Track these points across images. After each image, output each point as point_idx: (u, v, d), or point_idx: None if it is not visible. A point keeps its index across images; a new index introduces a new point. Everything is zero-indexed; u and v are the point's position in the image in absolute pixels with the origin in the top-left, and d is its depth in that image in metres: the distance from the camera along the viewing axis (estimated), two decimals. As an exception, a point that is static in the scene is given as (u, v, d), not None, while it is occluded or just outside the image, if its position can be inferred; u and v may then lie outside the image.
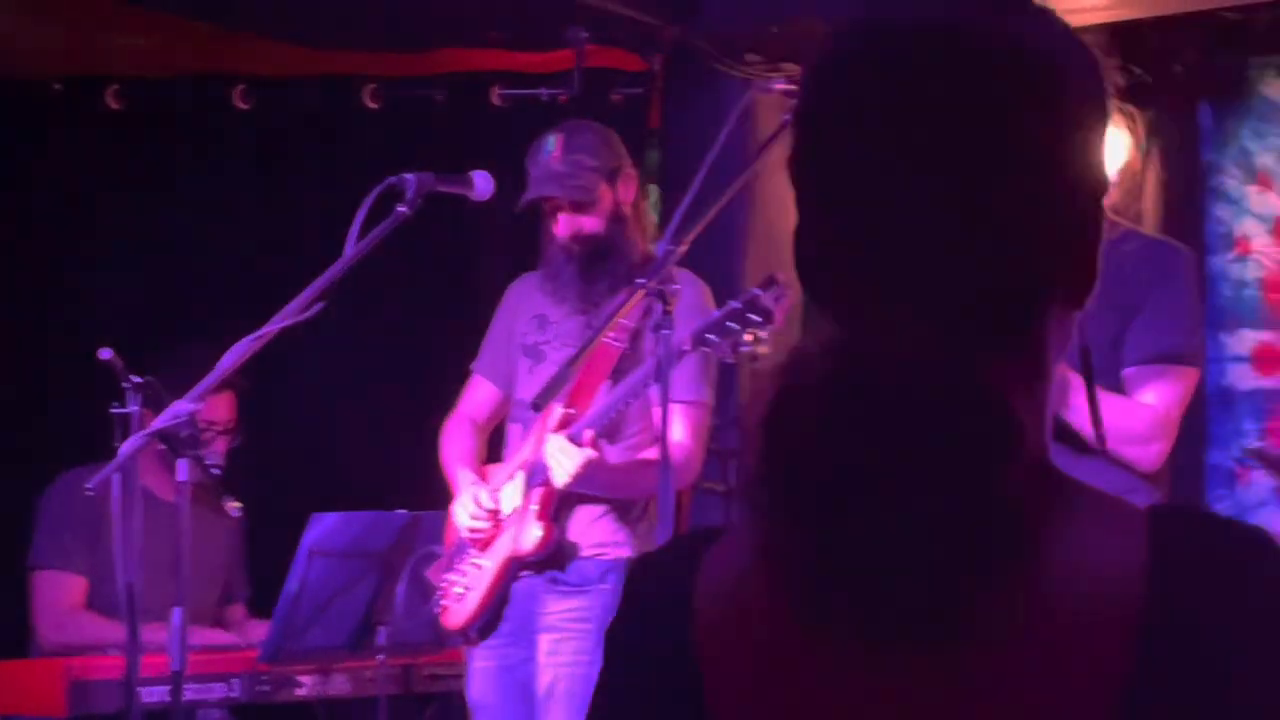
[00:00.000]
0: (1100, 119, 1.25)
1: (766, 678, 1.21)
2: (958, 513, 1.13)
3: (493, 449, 4.87)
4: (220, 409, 5.45)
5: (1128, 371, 3.87)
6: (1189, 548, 1.17)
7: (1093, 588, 1.16)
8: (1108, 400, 3.73)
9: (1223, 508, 6.50)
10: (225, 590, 5.71)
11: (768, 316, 4.03)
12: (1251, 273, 6.54)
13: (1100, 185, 1.25)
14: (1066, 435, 3.77)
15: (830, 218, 1.24)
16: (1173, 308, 3.88)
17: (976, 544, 1.14)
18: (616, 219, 4.62)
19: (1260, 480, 6.37)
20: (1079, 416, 3.69)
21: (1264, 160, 6.50)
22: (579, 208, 4.58)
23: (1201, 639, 1.14)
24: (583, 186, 4.57)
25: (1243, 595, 1.16)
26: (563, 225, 4.60)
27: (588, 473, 4.34)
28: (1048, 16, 1.25)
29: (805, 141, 1.25)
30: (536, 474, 4.49)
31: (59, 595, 5.41)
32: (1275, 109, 6.48)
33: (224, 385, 4.46)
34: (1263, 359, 6.53)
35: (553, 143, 4.62)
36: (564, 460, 4.33)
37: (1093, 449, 3.77)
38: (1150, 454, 3.85)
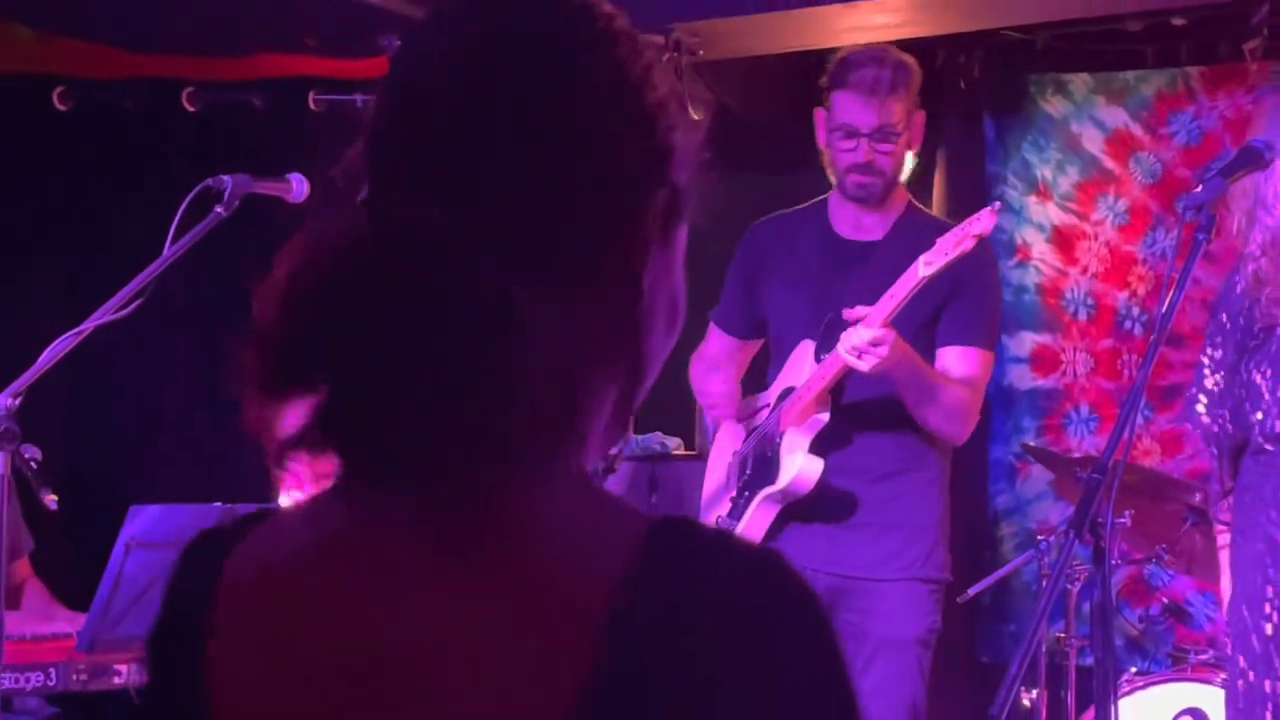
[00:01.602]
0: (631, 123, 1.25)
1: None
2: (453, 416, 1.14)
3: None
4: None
5: (943, 350, 4.20)
6: (681, 563, 1.15)
7: (574, 586, 1.14)
8: (945, 379, 4.12)
9: (1004, 500, 6.75)
10: (12, 550, 5.60)
11: None
12: (1031, 278, 6.77)
13: (651, 159, 1.25)
14: (889, 412, 4.07)
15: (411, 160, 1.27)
16: (985, 298, 4.26)
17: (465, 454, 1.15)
18: None
19: (1038, 474, 6.63)
20: (911, 398, 4.00)
21: (1043, 172, 6.73)
22: None
23: (671, 654, 1.12)
24: None
25: (728, 617, 1.13)
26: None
27: None
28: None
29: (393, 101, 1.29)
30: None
31: None
32: (1054, 123, 6.72)
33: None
34: (1040, 360, 6.77)
35: None
36: None
37: (909, 422, 4.10)
38: (967, 431, 4.21)
